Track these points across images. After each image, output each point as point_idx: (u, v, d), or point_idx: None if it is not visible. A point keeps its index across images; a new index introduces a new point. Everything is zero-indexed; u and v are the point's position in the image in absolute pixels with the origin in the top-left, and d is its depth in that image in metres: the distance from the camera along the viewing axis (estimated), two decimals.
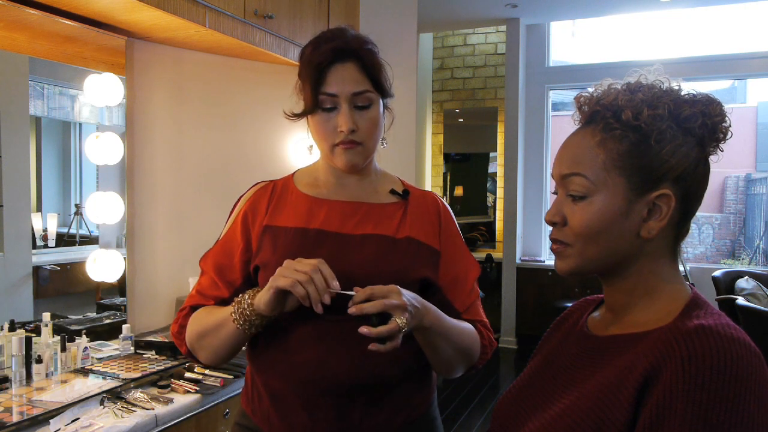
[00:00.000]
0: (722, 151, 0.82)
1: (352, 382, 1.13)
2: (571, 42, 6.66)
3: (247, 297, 1.11)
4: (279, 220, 1.21)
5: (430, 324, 1.09)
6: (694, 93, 0.81)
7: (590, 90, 0.85)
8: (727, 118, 0.81)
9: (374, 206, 1.23)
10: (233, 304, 1.13)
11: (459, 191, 6.76)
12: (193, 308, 1.23)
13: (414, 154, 2.84)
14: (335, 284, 1.02)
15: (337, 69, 1.15)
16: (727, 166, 7.61)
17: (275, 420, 1.18)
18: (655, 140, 0.78)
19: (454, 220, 1.30)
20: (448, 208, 1.31)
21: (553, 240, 0.86)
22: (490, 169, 6.64)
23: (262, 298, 1.07)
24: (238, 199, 1.29)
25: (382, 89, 1.19)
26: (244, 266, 1.22)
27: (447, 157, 6.79)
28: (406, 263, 1.18)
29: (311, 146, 1.30)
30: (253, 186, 1.29)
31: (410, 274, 1.17)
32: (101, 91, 2.22)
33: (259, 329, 1.13)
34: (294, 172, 1.31)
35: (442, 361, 1.18)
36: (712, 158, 0.83)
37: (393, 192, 1.26)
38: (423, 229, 1.23)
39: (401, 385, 1.19)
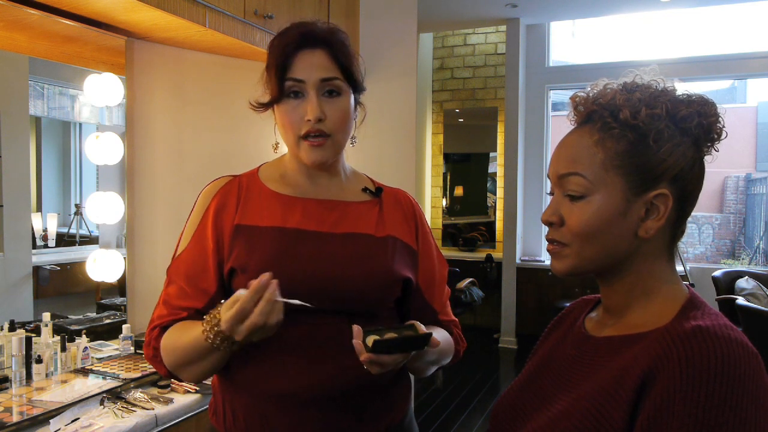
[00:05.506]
0: (717, 151, 0.83)
1: (335, 391, 1.08)
2: (571, 42, 6.66)
3: (216, 316, 0.99)
4: (251, 219, 1.13)
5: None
6: (689, 93, 0.81)
7: (586, 90, 0.85)
8: (721, 119, 0.81)
9: (349, 204, 1.18)
10: (204, 324, 1.01)
11: (459, 191, 6.76)
12: (164, 328, 1.11)
13: (414, 154, 2.84)
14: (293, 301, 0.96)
15: (305, 55, 1.09)
16: (727, 166, 7.62)
17: None
18: (653, 139, 0.78)
19: (425, 218, 1.28)
20: (420, 206, 1.28)
21: (549, 240, 0.86)
22: (490, 169, 6.63)
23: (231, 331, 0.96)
24: (199, 195, 1.20)
25: (353, 80, 1.13)
26: (217, 270, 1.12)
27: (447, 157, 6.79)
28: (390, 262, 1.14)
29: (277, 143, 1.23)
30: (215, 181, 1.20)
31: (394, 273, 1.14)
32: (101, 91, 2.22)
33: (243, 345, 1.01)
34: (258, 167, 1.23)
35: (417, 369, 1.16)
36: (712, 158, 0.83)
37: (365, 190, 1.21)
38: (401, 228, 1.20)
39: (383, 392, 1.16)
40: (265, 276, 0.95)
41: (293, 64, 1.09)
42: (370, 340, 0.95)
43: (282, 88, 1.09)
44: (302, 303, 0.97)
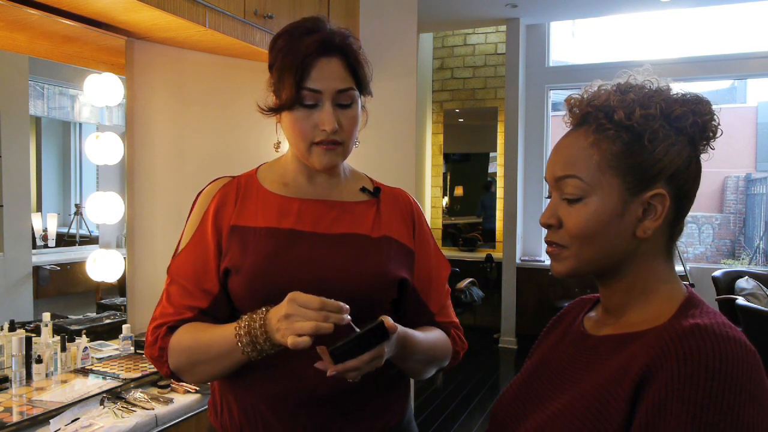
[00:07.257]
0: (713, 149, 0.83)
1: (329, 392, 1.08)
2: (571, 42, 6.66)
3: (257, 326, 0.99)
4: (246, 219, 1.13)
5: (393, 354, 1.03)
6: (684, 92, 0.81)
7: (580, 92, 0.85)
8: (716, 117, 0.81)
9: (346, 204, 1.18)
10: (237, 332, 1.00)
11: (459, 191, 6.76)
12: (171, 327, 1.11)
13: (414, 154, 2.84)
14: (347, 317, 0.95)
15: (322, 63, 1.08)
16: (727, 166, 7.61)
17: None
18: (648, 140, 0.79)
19: (425, 218, 1.27)
20: (420, 206, 1.27)
21: (548, 242, 0.86)
22: (490, 169, 6.64)
23: (279, 338, 0.96)
24: (198, 196, 1.20)
25: (363, 87, 1.14)
26: (218, 271, 1.12)
27: (447, 157, 6.79)
28: (384, 263, 1.14)
29: (279, 142, 1.23)
30: (214, 181, 1.21)
31: (388, 274, 1.14)
32: (101, 91, 2.22)
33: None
34: (257, 168, 1.23)
35: (410, 370, 1.16)
36: (711, 158, 0.84)
37: (364, 190, 1.21)
38: (398, 228, 1.19)
39: (380, 393, 1.15)
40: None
41: (310, 72, 1.07)
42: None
43: (297, 96, 1.08)
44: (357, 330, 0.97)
